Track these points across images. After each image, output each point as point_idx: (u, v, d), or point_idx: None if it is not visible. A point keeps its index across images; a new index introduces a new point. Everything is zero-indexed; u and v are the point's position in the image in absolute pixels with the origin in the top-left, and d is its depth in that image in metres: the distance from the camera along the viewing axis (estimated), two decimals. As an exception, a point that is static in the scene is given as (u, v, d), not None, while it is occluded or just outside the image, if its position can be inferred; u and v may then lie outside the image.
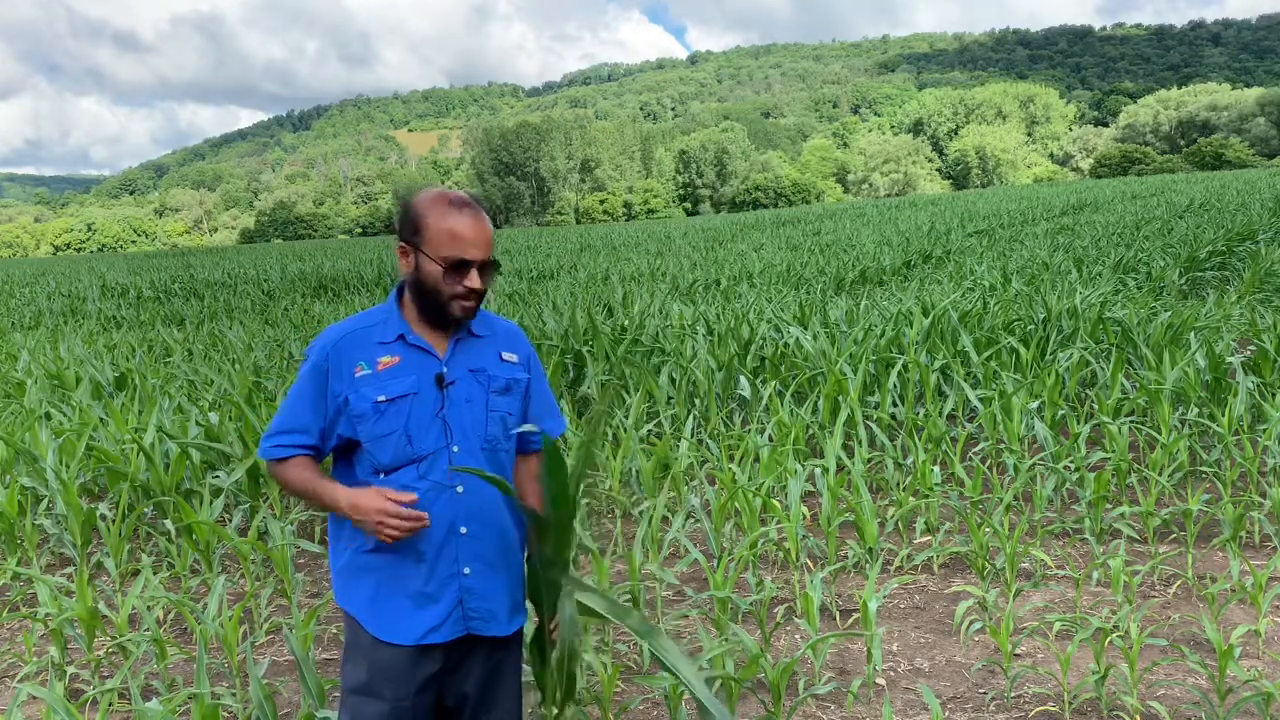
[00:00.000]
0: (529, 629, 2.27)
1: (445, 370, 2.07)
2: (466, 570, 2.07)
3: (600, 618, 2.26)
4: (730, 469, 5.15)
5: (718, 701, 2.17)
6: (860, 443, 5.78)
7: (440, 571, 2.05)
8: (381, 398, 2.02)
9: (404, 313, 2.10)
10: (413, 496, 2.00)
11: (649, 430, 6.72)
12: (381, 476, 2.05)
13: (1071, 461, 5.27)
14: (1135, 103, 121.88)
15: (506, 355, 2.17)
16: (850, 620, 4.03)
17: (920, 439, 5.85)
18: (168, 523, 5.04)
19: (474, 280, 2.03)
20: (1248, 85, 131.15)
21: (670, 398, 7.17)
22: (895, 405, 6.90)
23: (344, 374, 2.04)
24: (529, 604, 2.23)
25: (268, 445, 2.10)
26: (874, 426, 6.09)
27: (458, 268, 2.01)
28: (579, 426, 6.65)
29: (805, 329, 8.62)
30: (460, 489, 2.06)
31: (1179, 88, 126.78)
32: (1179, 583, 4.27)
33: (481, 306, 2.14)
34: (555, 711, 2.28)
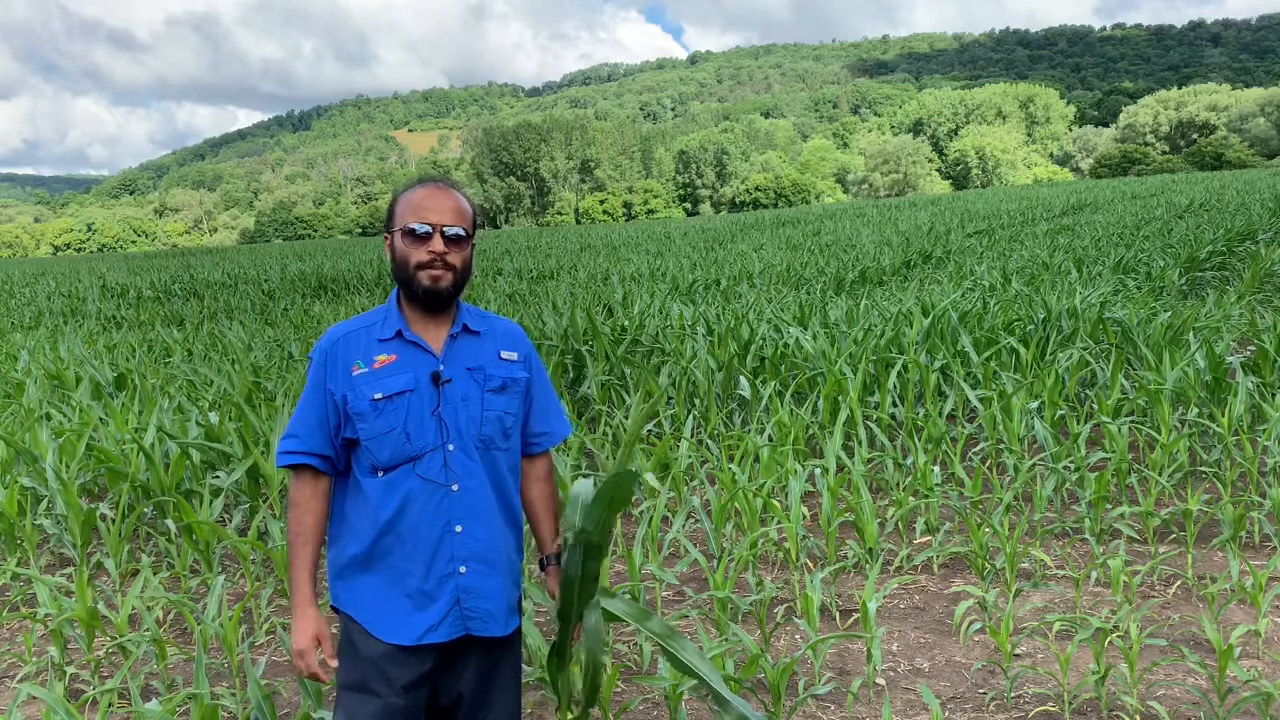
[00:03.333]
0: (536, 636, 2.27)
1: (441, 368, 2.07)
2: (463, 569, 2.07)
3: (622, 621, 2.26)
4: (730, 469, 5.15)
5: (743, 701, 2.17)
6: (860, 443, 5.78)
7: (437, 570, 2.05)
8: (378, 395, 2.02)
9: (402, 310, 2.11)
10: (332, 666, 2.09)
11: (649, 430, 6.73)
12: (380, 475, 2.04)
13: (1071, 461, 5.27)
14: (1135, 103, 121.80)
15: (506, 354, 2.16)
16: (850, 620, 4.03)
17: (920, 439, 5.85)
18: (168, 522, 5.04)
19: (436, 244, 2.03)
20: (1248, 85, 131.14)
21: (670, 398, 7.17)
22: (895, 405, 6.91)
23: (340, 373, 2.06)
24: (558, 616, 2.23)
25: (279, 451, 2.12)
26: (874, 427, 6.09)
27: (416, 234, 2.03)
28: (581, 428, 6.65)
29: (805, 329, 8.62)
30: (455, 488, 2.06)
31: (1179, 88, 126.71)
32: (1179, 583, 4.27)
33: (480, 307, 2.15)
34: (572, 716, 2.28)
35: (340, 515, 2.12)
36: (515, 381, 2.15)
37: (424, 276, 2.03)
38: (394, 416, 2.03)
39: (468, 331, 2.13)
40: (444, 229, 2.03)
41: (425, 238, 2.03)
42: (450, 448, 2.05)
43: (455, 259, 2.05)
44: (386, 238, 2.11)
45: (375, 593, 2.06)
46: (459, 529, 2.06)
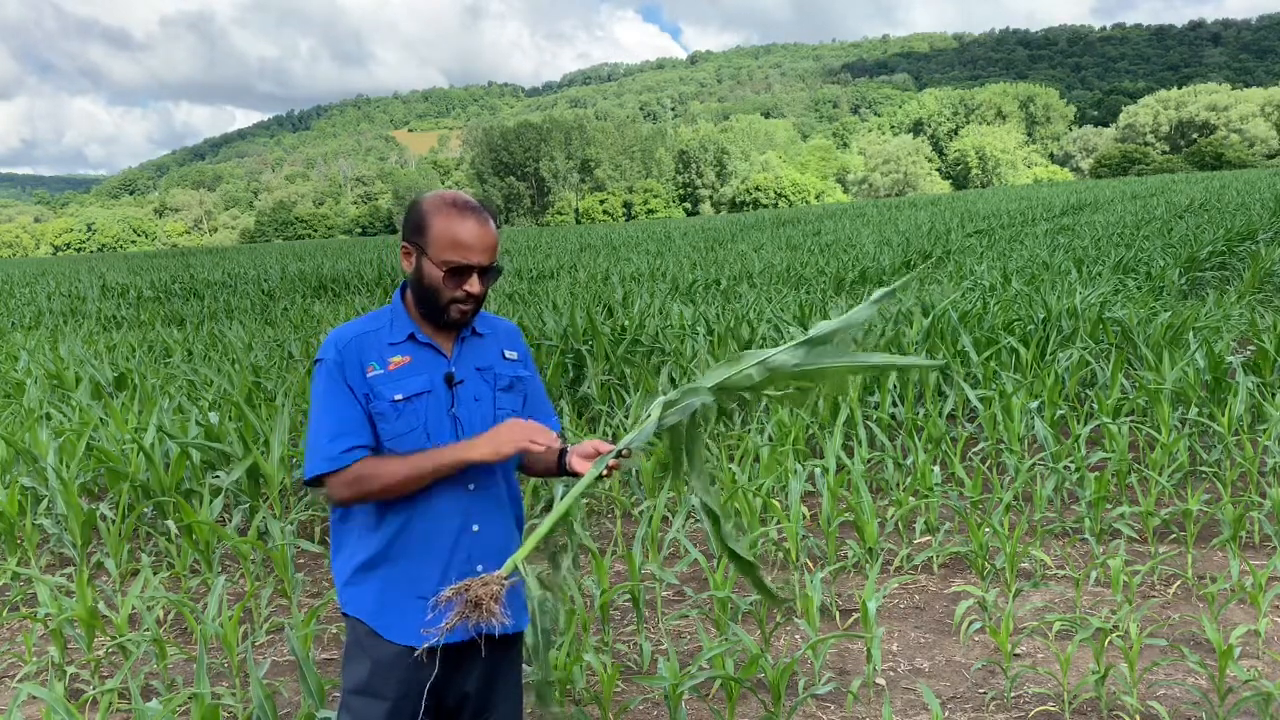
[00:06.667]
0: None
1: (454, 369, 2.09)
2: (479, 568, 2.07)
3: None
4: (730, 469, 5.15)
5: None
6: (860, 443, 5.78)
7: (455, 570, 2.05)
8: (399, 396, 2.03)
9: (410, 313, 2.11)
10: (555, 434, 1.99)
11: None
12: None
13: (1071, 461, 5.27)
14: (1135, 103, 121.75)
15: (509, 353, 2.19)
16: (850, 620, 4.03)
17: (920, 439, 5.85)
18: (168, 523, 5.04)
19: (474, 285, 2.03)
20: (1248, 85, 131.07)
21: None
22: (895, 405, 6.91)
23: (357, 373, 2.04)
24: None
25: (337, 451, 1.98)
26: (874, 426, 6.09)
27: (458, 273, 2.01)
28: (581, 428, 6.65)
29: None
30: (471, 487, 2.06)
31: (1179, 88, 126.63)
32: (1179, 583, 4.27)
33: (480, 308, 2.15)
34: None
35: (349, 521, 2.11)
36: (520, 380, 2.20)
37: (454, 310, 2.04)
38: (414, 417, 2.03)
39: (474, 333, 2.15)
40: (482, 268, 2.03)
41: (465, 278, 2.02)
42: None
43: (483, 291, 2.06)
44: (407, 249, 2.05)
45: (387, 595, 2.06)
46: (476, 528, 2.07)
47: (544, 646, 2.12)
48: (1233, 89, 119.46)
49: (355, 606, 2.09)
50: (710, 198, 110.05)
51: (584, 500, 5.59)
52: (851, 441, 6.02)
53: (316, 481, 2.03)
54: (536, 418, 2.26)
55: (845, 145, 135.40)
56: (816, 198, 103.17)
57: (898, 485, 5.39)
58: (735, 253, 23.17)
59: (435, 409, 2.05)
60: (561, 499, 2.05)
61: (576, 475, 2.12)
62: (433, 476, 2.00)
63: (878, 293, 2.23)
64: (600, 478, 2.07)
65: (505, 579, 1.92)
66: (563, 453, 2.17)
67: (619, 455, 2.07)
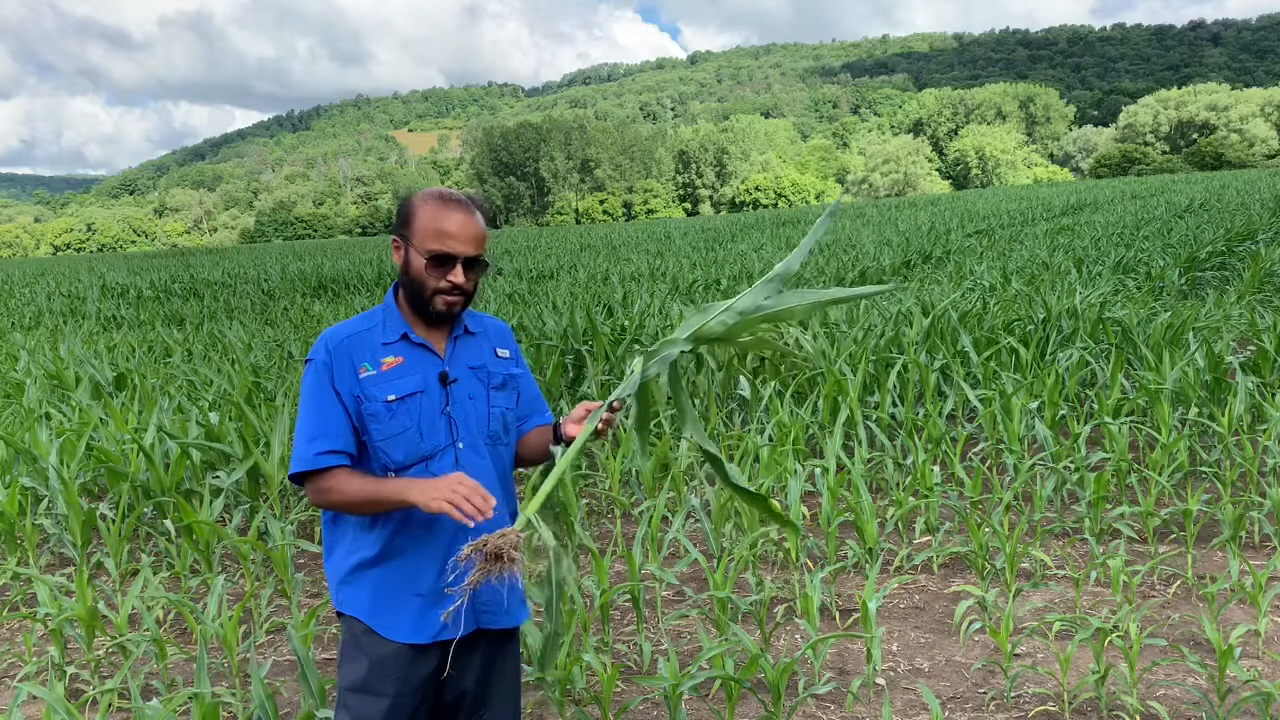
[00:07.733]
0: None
1: (447, 368, 2.10)
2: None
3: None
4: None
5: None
6: (860, 443, 5.78)
7: (452, 568, 2.06)
8: (392, 396, 2.03)
9: (403, 312, 2.12)
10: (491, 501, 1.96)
11: (649, 430, 6.71)
12: (392, 475, 2.06)
13: (1071, 461, 5.27)
14: (1135, 103, 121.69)
15: (501, 351, 2.21)
16: (850, 620, 4.03)
17: (920, 439, 5.85)
18: (168, 523, 5.04)
19: (457, 276, 2.03)
20: (1248, 85, 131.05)
21: (670, 397, 7.16)
22: (895, 405, 6.91)
23: (348, 375, 2.05)
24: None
25: (311, 454, 2.00)
26: (874, 426, 6.09)
27: (440, 261, 2.02)
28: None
29: (805, 329, 8.62)
30: None
31: (1179, 88, 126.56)
32: (1179, 583, 4.27)
33: (478, 308, 2.16)
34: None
35: (341, 523, 2.11)
36: (513, 378, 2.22)
37: (440, 302, 2.05)
38: (407, 417, 2.04)
39: (467, 332, 2.17)
40: (466, 258, 2.04)
41: (448, 267, 2.03)
42: (460, 445, 2.08)
43: (470, 284, 2.07)
44: (397, 243, 2.08)
45: (384, 593, 2.07)
46: (472, 524, 2.07)
47: (556, 599, 2.11)
48: (1233, 89, 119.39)
49: (351, 605, 2.10)
50: (710, 198, 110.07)
51: (584, 501, 5.59)
52: (851, 441, 6.02)
53: (298, 479, 2.05)
54: (531, 414, 2.29)
55: (845, 145, 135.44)
56: (816, 198, 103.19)
57: (898, 485, 5.39)
58: (735, 253, 23.16)
59: (429, 409, 2.06)
60: (560, 458, 2.06)
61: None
62: (377, 507, 2.01)
63: (825, 212, 2.29)
64: (596, 434, 2.07)
65: (520, 532, 1.91)
66: (556, 426, 2.19)
67: (610, 409, 2.08)
